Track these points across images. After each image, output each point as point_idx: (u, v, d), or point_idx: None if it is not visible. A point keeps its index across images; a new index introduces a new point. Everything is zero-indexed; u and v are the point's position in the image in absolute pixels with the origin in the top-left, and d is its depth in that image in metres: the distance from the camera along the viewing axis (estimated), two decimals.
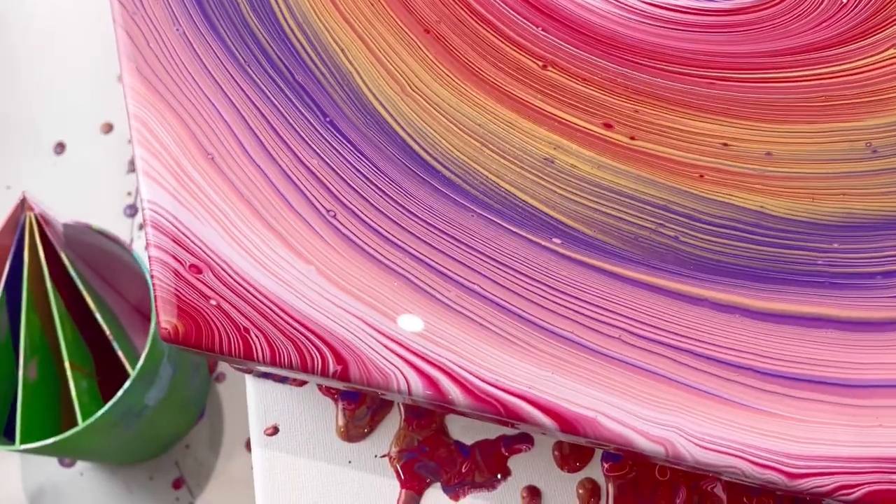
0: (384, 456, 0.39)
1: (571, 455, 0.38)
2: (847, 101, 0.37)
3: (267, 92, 0.36)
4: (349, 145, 0.35)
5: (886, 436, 0.30)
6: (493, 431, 0.39)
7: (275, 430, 0.40)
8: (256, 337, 0.32)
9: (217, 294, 0.33)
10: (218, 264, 0.33)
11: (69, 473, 0.90)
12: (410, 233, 0.34)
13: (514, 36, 0.39)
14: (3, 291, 0.74)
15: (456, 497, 0.38)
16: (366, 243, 0.34)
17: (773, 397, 0.31)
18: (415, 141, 0.36)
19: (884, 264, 0.33)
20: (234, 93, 0.36)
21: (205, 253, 0.33)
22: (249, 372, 0.40)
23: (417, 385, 0.31)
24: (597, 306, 0.32)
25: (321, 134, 0.36)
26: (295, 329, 0.32)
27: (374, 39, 0.38)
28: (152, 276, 0.33)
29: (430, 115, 0.36)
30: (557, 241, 0.34)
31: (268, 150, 0.35)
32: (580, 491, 0.38)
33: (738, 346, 0.32)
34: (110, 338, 0.74)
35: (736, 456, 0.30)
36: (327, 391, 0.40)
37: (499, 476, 0.39)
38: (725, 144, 0.36)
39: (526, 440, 0.39)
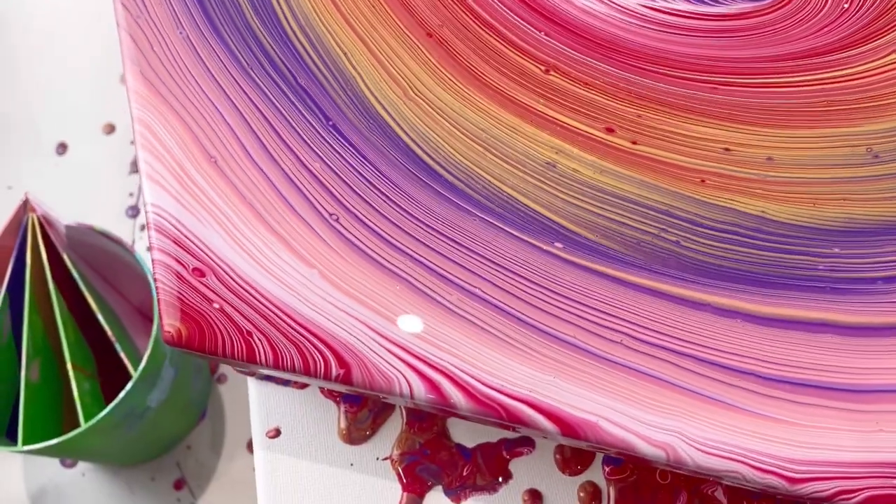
0: (386, 459, 0.39)
1: (573, 458, 0.39)
2: (848, 106, 0.37)
3: (269, 95, 0.36)
4: (352, 149, 0.36)
5: (887, 441, 0.30)
6: (494, 434, 0.39)
7: (277, 433, 0.40)
8: (259, 340, 0.32)
9: (220, 297, 0.33)
10: (221, 268, 0.33)
11: (71, 474, 0.90)
12: (412, 236, 0.34)
13: (516, 40, 0.39)
14: (6, 293, 0.74)
15: (457, 500, 0.38)
16: (368, 247, 0.34)
17: (775, 402, 0.31)
18: (417, 145, 0.36)
19: (885, 269, 0.33)
20: (237, 96, 0.36)
21: (208, 256, 0.33)
22: (252, 375, 0.40)
23: (419, 389, 0.31)
24: (599, 311, 0.32)
25: (324, 137, 0.36)
26: (298, 332, 0.32)
27: (377, 43, 0.38)
28: (155, 280, 0.33)
29: (433, 119, 0.36)
30: (559, 245, 0.34)
31: (270, 153, 0.35)
32: (581, 494, 0.38)
33: (740, 350, 0.32)
34: (112, 339, 0.74)
35: (737, 461, 0.30)
36: (329, 394, 0.40)
37: (500, 479, 0.39)
38: (727, 149, 0.36)
39: (527, 443, 0.39)
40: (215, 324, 0.32)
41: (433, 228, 0.34)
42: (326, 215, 0.34)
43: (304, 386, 0.40)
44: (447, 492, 0.39)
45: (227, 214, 0.34)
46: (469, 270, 0.33)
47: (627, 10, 0.40)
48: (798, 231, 0.34)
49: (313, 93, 0.37)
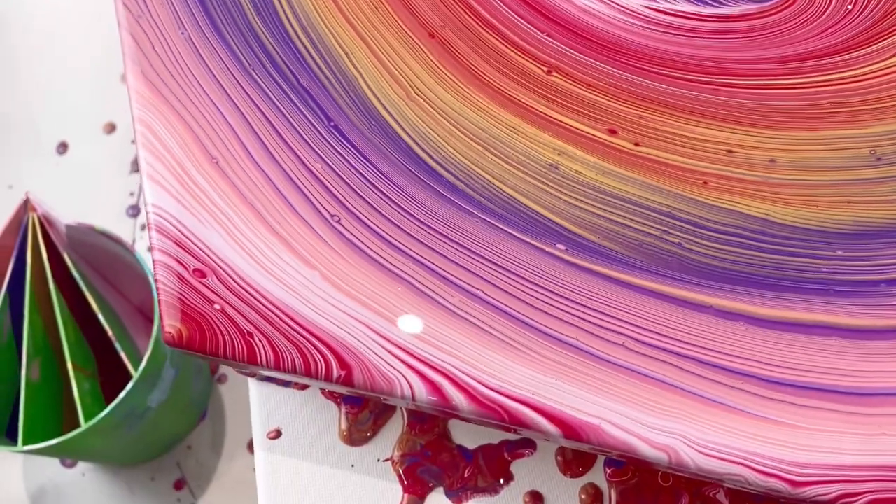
0: (387, 460, 0.39)
1: (574, 460, 0.38)
2: (852, 108, 0.37)
3: (271, 96, 0.36)
4: (353, 149, 0.35)
5: (890, 444, 0.30)
6: (495, 436, 0.39)
7: (277, 434, 0.40)
8: (260, 341, 0.32)
9: (221, 298, 0.33)
10: (222, 268, 0.33)
11: (71, 474, 0.90)
12: (414, 237, 0.34)
13: (518, 41, 0.39)
14: (6, 292, 0.74)
15: (458, 501, 0.38)
16: (369, 248, 0.34)
17: (777, 405, 0.31)
18: (419, 145, 0.36)
19: (888, 272, 0.33)
20: (239, 97, 0.36)
21: (209, 257, 0.33)
22: (252, 375, 0.40)
23: (421, 390, 0.31)
24: (601, 313, 0.32)
25: (325, 138, 0.36)
26: (299, 334, 0.32)
27: (379, 43, 0.38)
28: (156, 280, 0.33)
29: (435, 120, 0.36)
30: (562, 247, 0.34)
31: (272, 153, 0.35)
32: (583, 496, 0.38)
33: (743, 353, 0.32)
34: (113, 339, 0.74)
35: (739, 463, 0.30)
36: (330, 395, 0.40)
37: (501, 481, 0.39)
38: (730, 151, 0.36)
39: (529, 445, 0.39)
40: (216, 325, 0.32)
41: (434, 229, 0.34)
42: (328, 216, 0.34)
43: (304, 387, 0.40)
44: (448, 493, 0.38)
45: (228, 215, 0.34)
46: (470, 272, 0.33)
47: (630, 11, 0.40)
48: (801, 233, 0.34)
49: (315, 93, 0.37)
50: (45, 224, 0.74)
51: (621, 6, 0.40)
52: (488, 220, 0.34)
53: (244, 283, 0.33)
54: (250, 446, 0.89)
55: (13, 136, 1.07)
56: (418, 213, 0.34)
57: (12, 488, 0.90)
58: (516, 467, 0.39)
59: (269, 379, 0.40)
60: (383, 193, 0.35)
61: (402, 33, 0.38)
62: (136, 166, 1.02)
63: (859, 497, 0.29)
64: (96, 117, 1.06)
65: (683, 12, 0.40)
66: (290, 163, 0.35)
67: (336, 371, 0.32)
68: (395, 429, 0.40)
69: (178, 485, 0.88)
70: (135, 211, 1.00)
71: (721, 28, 0.39)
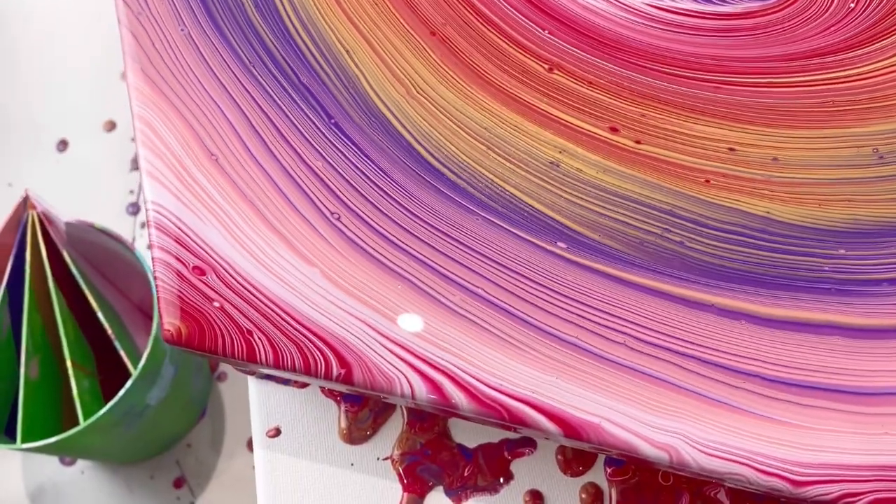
0: (386, 459, 0.39)
1: (574, 459, 0.38)
2: (854, 106, 0.37)
3: (271, 93, 0.36)
4: (354, 147, 0.35)
5: (892, 444, 0.30)
6: (495, 435, 0.39)
7: (277, 432, 0.40)
8: (259, 339, 0.32)
9: (220, 296, 0.33)
10: (221, 266, 0.33)
11: (70, 472, 0.90)
12: (414, 236, 0.34)
13: (519, 39, 0.38)
14: (6, 290, 0.74)
15: (458, 500, 0.38)
16: (369, 246, 0.33)
17: (779, 404, 0.30)
18: (419, 144, 0.36)
19: (890, 271, 0.33)
20: (239, 94, 0.36)
21: (208, 255, 0.33)
22: (252, 373, 0.40)
23: (421, 389, 0.31)
24: (602, 311, 0.32)
25: (325, 136, 0.36)
26: (298, 332, 0.32)
27: (380, 41, 0.38)
28: (156, 278, 0.33)
29: (435, 118, 0.36)
30: (562, 245, 0.34)
31: (272, 151, 0.35)
32: (583, 495, 0.38)
33: (744, 352, 0.31)
34: (112, 337, 0.74)
35: (740, 463, 0.30)
36: (330, 393, 0.40)
37: (501, 480, 0.39)
38: (732, 149, 0.36)
39: (529, 444, 0.39)
40: (215, 322, 0.32)
41: (435, 227, 0.34)
42: (328, 214, 0.34)
43: (304, 385, 0.40)
44: (448, 492, 0.38)
45: (227, 212, 0.34)
46: (471, 270, 0.33)
47: (632, 8, 0.40)
48: (803, 232, 0.34)
49: (315, 91, 0.36)
50: (45, 222, 0.74)
51: (623, 4, 0.40)
52: (489, 217, 0.34)
53: (244, 281, 0.33)
54: (250, 444, 0.89)
55: (13, 134, 1.07)
56: (419, 211, 0.34)
57: (11, 486, 0.90)
58: (516, 466, 0.39)
59: (268, 377, 0.40)
60: (384, 191, 0.34)
61: (403, 31, 0.38)
62: (135, 164, 1.02)
63: (861, 497, 0.29)
64: (96, 115, 1.06)
65: (685, 10, 0.40)
66: (290, 160, 0.35)
67: (336, 369, 0.32)
68: (394, 427, 0.39)
69: (178, 483, 0.88)
70: (135, 209, 1.00)
71: (723, 26, 0.39)
